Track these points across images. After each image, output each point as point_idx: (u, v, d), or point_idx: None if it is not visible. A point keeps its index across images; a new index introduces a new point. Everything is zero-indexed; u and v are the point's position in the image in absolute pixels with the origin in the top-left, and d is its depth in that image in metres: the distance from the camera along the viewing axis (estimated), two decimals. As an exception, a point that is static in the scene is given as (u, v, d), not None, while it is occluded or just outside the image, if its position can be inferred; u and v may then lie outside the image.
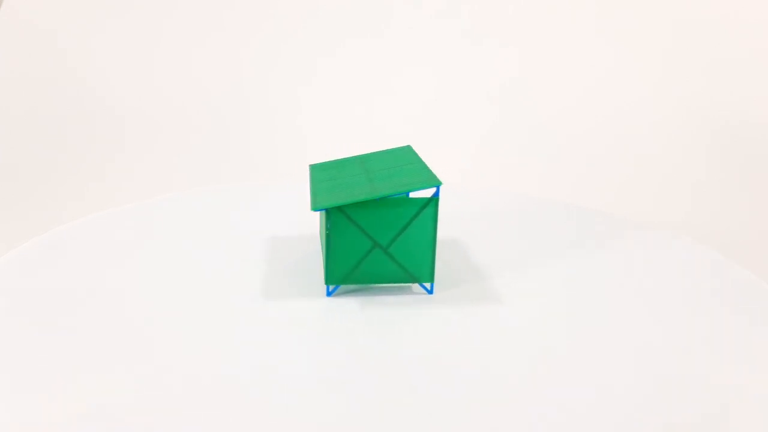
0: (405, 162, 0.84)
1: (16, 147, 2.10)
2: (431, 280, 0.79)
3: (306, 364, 0.65)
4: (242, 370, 0.63)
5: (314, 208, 0.73)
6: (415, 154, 0.86)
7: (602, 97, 2.20)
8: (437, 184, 0.74)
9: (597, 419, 0.57)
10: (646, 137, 2.14)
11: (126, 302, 0.76)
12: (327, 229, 0.75)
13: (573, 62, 2.24)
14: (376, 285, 0.81)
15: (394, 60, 2.29)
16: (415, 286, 0.81)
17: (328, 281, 0.77)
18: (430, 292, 0.80)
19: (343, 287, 0.80)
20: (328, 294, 0.79)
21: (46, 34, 2.25)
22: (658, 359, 0.67)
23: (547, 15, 2.26)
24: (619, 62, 2.23)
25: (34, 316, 0.72)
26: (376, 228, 0.75)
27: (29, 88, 2.20)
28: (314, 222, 1.02)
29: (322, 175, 0.86)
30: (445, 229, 1.01)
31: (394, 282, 0.79)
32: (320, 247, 0.93)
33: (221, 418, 0.55)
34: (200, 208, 1.12)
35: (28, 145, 2.11)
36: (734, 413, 0.58)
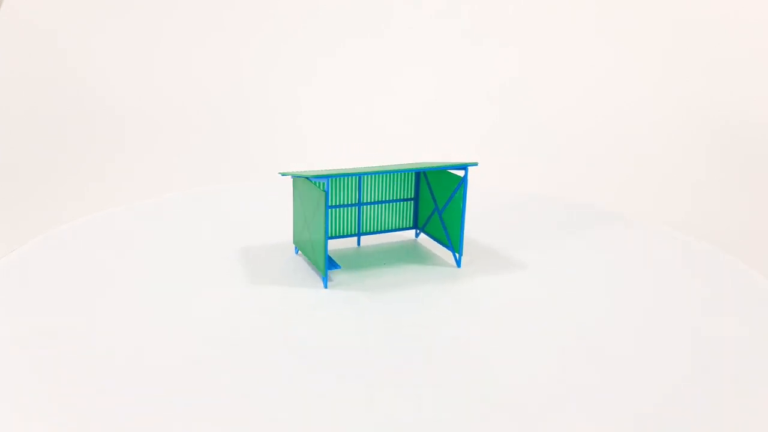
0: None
1: (16, 147, 2.10)
2: (324, 274, 0.80)
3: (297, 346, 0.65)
4: (241, 368, 0.63)
5: (281, 173, 0.88)
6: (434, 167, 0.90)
7: (602, 98, 2.20)
8: (324, 184, 0.76)
9: (596, 417, 0.57)
10: (647, 137, 2.14)
11: (125, 302, 0.76)
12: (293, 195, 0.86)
13: (573, 62, 2.24)
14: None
15: (394, 60, 2.29)
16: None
17: (294, 241, 0.89)
18: (325, 285, 0.81)
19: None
20: (296, 251, 0.90)
21: (46, 34, 2.25)
22: (658, 358, 0.67)
23: (547, 15, 2.26)
24: (619, 62, 2.23)
25: (33, 316, 0.72)
26: (307, 205, 0.82)
27: (29, 88, 2.20)
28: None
29: None
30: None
31: (314, 264, 0.83)
32: None
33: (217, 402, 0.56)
34: (200, 208, 1.12)
35: (28, 145, 2.11)
36: (733, 411, 0.58)
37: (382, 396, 0.59)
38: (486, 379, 0.63)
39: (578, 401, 0.59)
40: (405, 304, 0.77)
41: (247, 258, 0.90)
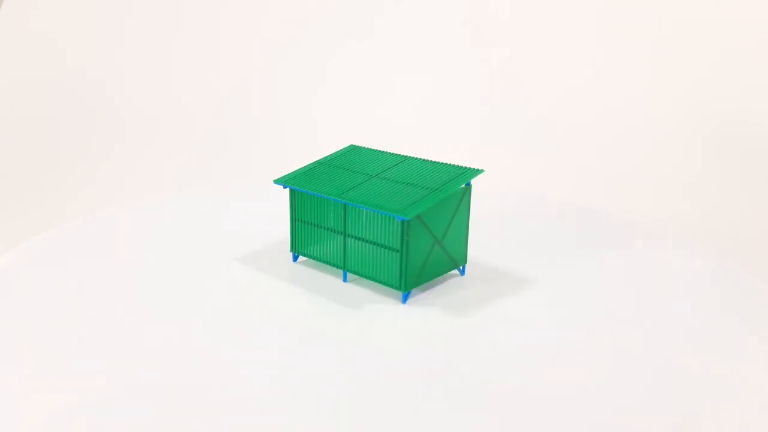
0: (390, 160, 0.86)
1: (14, 148, 2.10)
2: (465, 260, 0.84)
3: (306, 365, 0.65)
4: (230, 372, 0.63)
5: (403, 218, 0.72)
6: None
7: (602, 97, 2.20)
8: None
9: (596, 418, 0.57)
10: (646, 137, 2.14)
11: (122, 303, 0.76)
12: (406, 236, 0.74)
13: (573, 62, 2.24)
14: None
15: (391, 61, 2.29)
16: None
17: (405, 288, 0.77)
18: (462, 273, 0.85)
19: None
20: (404, 301, 0.77)
21: (46, 34, 2.25)
22: (657, 359, 0.67)
23: (547, 15, 2.26)
24: (619, 62, 2.23)
25: (31, 316, 0.72)
26: (435, 225, 0.77)
27: (29, 88, 2.20)
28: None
29: (333, 180, 0.83)
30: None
31: (443, 273, 0.82)
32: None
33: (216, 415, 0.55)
34: (199, 208, 1.12)
35: (26, 145, 2.11)
36: (733, 411, 0.58)
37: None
38: (478, 388, 0.62)
39: (580, 405, 0.59)
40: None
41: (249, 260, 0.90)
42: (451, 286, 0.82)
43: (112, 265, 0.86)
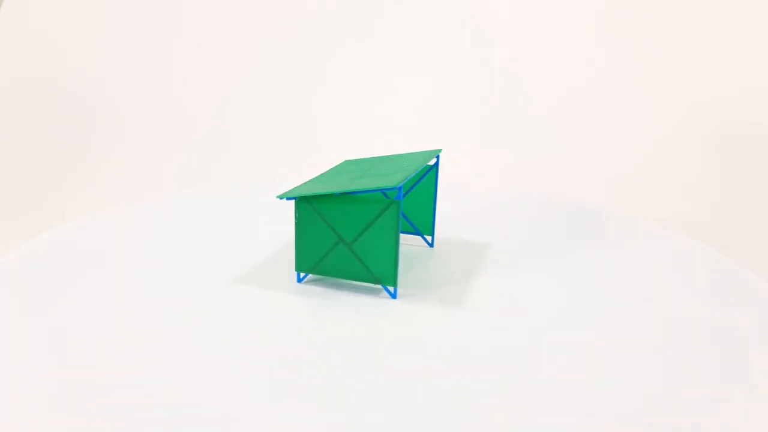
0: (410, 163, 0.84)
1: (14, 148, 2.09)
2: (394, 284, 0.76)
3: (275, 353, 0.65)
4: (221, 362, 0.63)
5: (279, 197, 0.76)
6: (427, 156, 0.87)
7: (602, 97, 2.20)
8: (394, 186, 0.72)
9: (596, 417, 0.57)
10: (646, 137, 2.14)
11: (122, 303, 0.76)
12: (296, 218, 0.78)
13: (573, 62, 2.24)
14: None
15: (391, 61, 2.29)
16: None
17: (297, 268, 0.80)
18: (393, 296, 0.77)
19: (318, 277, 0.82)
20: (299, 281, 0.81)
21: (46, 34, 2.25)
22: (657, 358, 0.67)
23: (547, 15, 2.26)
24: (619, 62, 2.23)
25: (31, 316, 0.72)
26: (340, 223, 0.77)
27: (29, 88, 2.20)
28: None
29: (339, 168, 0.89)
30: (444, 229, 1.01)
31: (358, 280, 0.78)
32: None
33: (197, 402, 0.55)
34: (199, 208, 1.12)
35: (26, 145, 2.11)
36: (732, 409, 0.58)
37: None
38: (475, 385, 0.62)
39: (569, 406, 0.59)
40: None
41: (247, 257, 0.90)
42: (448, 283, 0.82)
43: (112, 265, 0.86)
